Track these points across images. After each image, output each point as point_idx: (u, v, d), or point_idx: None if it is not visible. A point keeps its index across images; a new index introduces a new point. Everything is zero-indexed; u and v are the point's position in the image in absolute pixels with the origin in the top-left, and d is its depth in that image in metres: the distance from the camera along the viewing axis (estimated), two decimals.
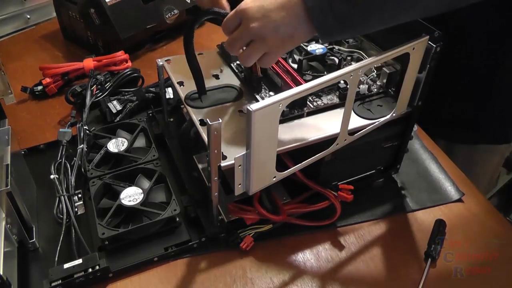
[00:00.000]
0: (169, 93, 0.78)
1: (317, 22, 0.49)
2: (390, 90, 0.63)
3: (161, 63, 0.70)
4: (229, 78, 0.68)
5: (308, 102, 0.60)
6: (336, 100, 0.61)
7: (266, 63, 0.55)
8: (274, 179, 0.54)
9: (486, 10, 0.66)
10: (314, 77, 0.61)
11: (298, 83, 0.59)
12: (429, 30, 0.54)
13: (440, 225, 0.63)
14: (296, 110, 0.59)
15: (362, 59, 0.66)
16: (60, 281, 0.54)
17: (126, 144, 0.69)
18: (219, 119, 0.47)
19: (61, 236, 0.59)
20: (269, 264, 0.60)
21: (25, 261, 0.59)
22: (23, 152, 0.73)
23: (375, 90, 0.63)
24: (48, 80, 0.87)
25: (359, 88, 0.62)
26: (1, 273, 0.51)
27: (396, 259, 0.61)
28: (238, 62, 0.70)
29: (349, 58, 0.68)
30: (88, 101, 0.80)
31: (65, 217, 0.61)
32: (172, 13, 1.01)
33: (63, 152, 0.69)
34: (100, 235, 0.57)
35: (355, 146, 0.59)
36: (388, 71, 0.62)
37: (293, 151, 0.56)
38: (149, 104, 0.82)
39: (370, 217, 0.65)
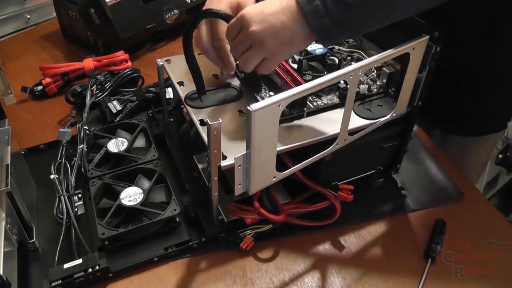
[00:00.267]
0: (169, 93, 0.78)
1: (316, 27, 0.50)
2: (390, 90, 0.63)
3: (161, 63, 0.70)
4: (229, 78, 0.68)
5: (308, 102, 0.60)
6: (336, 100, 0.61)
7: (264, 69, 0.56)
8: (274, 179, 0.54)
9: (474, 5, 0.67)
10: (314, 77, 0.61)
11: (298, 83, 0.59)
12: (429, 30, 0.54)
13: (440, 225, 0.63)
14: (296, 110, 0.59)
15: (362, 59, 0.66)
16: (60, 281, 0.54)
17: (126, 144, 0.69)
18: (219, 119, 0.47)
19: (61, 236, 0.59)
20: (269, 264, 0.60)
21: (25, 261, 0.59)
22: (23, 152, 0.73)
23: (375, 90, 0.63)
24: (48, 80, 0.87)
25: (359, 88, 0.62)
26: (1, 273, 0.51)
27: (396, 259, 0.61)
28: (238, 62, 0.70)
29: (349, 58, 0.68)
30: (88, 101, 0.79)
31: (65, 217, 0.61)
32: (172, 13, 1.01)
33: (63, 152, 0.69)
34: (100, 235, 0.57)
35: (355, 146, 0.59)
36: (388, 71, 0.62)
37: (293, 151, 0.56)
38: (149, 104, 0.82)
39: (370, 217, 0.65)
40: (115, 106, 0.80)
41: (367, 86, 0.63)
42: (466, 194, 0.68)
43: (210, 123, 0.47)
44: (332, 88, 0.63)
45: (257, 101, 0.46)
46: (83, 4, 0.95)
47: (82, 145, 0.69)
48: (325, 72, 0.65)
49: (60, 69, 0.88)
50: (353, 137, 0.58)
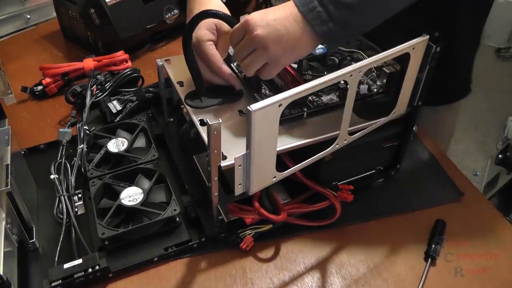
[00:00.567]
0: (169, 93, 0.78)
1: (322, 32, 0.52)
2: (390, 90, 0.63)
3: (161, 63, 0.70)
4: None
5: (308, 102, 0.60)
6: (336, 100, 0.61)
7: (266, 75, 0.56)
8: (274, 179, 0.54)
9: None
10: (314, 77, 0.61)
11: (298, 83, 0.58)
12: (429, 30, 0.54)
13: (440, 225, 0.63)
14: (296, 110, 0.59)
15: (362, 59, 0.65)
16: (60, 281, 0.54)
17: (126, 144, 0.69)
18: (219, 119, 0.47)
19: (61, 236, 0.59)
20: (269, 264, 0.60)
21: (25, 261, 0.59)
22: (23, 152, 0.73)
23: (375, 90, 0.63)
24: (48, 80, 0.87)
25: (359, 88, 0.62)
26: (1, 273, 0.51)
27: (396, 259, 0.61)
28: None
29: (349, 58, 0.68)
30: (88, 101, 0.79)
31: (65, 217, 0.61)
32: (172, 13, 1.01)
33: (63, 152, 0.69)
34: (100, 235, 0.57)
35: (355, 146, 0.59)
36: (388, 71, 0.62)
37: (293, 151, 0.56)
38: (149, 104, 0.82)
39: (370, 217, 0.65)
40: (115, 106, 0.80)
41: (367, 86, 0.63)
42: (466, 194, 0.68)
43: (210, 123, 0.47)
44: (332, 88, 0.63)
45: (257, 101, 0.46)
46: (83, 4, 0.95)
47: (82, 145, 0.69)
48: (325, 72, 0.65)
49: (60, 69, 0.88)
50: (353, 137, 0.58)
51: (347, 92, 0.53)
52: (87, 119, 0.76)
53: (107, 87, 0.84)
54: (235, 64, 0.70)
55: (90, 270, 0.55)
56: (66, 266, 0.55)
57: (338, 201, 0.61)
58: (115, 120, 0.79)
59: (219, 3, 0.66)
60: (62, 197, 0.63)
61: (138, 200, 0.61)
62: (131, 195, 0.61)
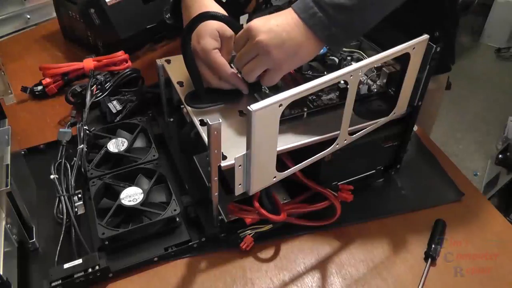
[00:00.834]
0: (169, 93, 0.78)
1: (324, 37, 0.53)
2: (390, 90, 0.63)
3: (161, 63, 0.70)
4: None
5: (308, 102, 0.60)
6: (336, 100, 0.61)
7: (269, 81, 0.57)
8: (274, 179, 0.54)
9: None
10: (314, 77, 0.61)
11: (298, 83, 0.58)
12: (429, 30, 0.54)
13: (440, 225, 0.63)
14: (296, 110, 0.59)
15: (362, 59, 0.66)
16: (60, 281, 0.54)
17: (126, 144, 0.69)
18: (219, 119, 0.47)
19: (61, 236, 0.59)
20: (269, 264, 0.60)
21: (25, 261, 0.59)
22: (23, 152, 0.73)
23: (375, 90, 0.63)
24: (48, 80, 0.87)
25: (359, 88, 0.62)
26: (1, 273, 0.51)
27: (396, 259, 0.61)
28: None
29: (349, 58, 0.68)
30: (88, 101, 0.79)
31: (65, 217, 0.61)
32: None
33: (63, 152, 0.69)
34: (100, 235, 0.57)
35: (355, 146, 0.59)
36: (388, 71, 0.62)
37: (293, 151, 0.56)
38: (149, 104, 0.82)
39: (370, 217, 0.65)
40: (115, 106, 0.80)
41: (367, 86, 0.63)
42: (466, 194, 0.68)
43: (210, 123, 0.47)
44: (332, 88, 0.63)
45: (257, 101, 0.46)
46: (83, 4, 0.95)
47: (82, 145, 0.69)
48: (325, 72, 0.65)
49: (60, 69, 0.88)
50: (353, 137, 0.58)
51: (347, 92, 0.53)
52: (87, 119, 0.76)
53: (107, 87, 0.83)
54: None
55: (90, 270, 0.55)
56: (66, 266, 0.55)
57: (338, 201, 0.61)
58: (115, 120, 0.79)
59: (217, 6, 0.66)
60: (62, 197, 0.63)
61: (138, 200, 0.61)
62: (131, 195, 0.61)
